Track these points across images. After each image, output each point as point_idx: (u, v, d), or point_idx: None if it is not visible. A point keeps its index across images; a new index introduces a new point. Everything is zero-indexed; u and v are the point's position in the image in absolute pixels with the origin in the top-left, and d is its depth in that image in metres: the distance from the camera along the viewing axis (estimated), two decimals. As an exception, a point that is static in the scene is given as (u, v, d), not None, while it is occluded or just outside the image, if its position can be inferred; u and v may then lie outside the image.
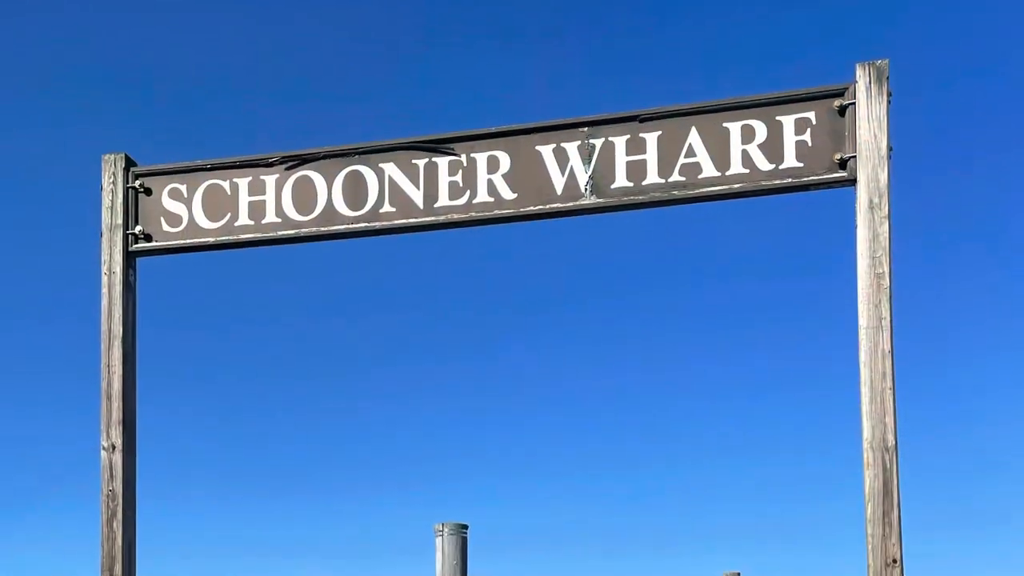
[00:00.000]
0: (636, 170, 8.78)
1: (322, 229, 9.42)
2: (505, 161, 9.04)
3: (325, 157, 9.46)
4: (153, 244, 9.83)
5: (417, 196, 9.21)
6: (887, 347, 8.04)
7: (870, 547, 7.99)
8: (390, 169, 9.26)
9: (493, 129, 9.19)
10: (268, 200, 9.51)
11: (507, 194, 9.03)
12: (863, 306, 8.17)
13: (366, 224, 9.32)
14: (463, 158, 9.14)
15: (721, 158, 8.58)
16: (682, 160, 8.66)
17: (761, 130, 8.53)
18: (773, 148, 8.47)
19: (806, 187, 8.49)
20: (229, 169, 9.67)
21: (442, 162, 9.19)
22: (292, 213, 9.44)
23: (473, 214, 9.14)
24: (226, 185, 9.63)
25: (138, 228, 9.78)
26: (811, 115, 8.45)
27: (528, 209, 9.01)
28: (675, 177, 8.67)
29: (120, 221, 9.80)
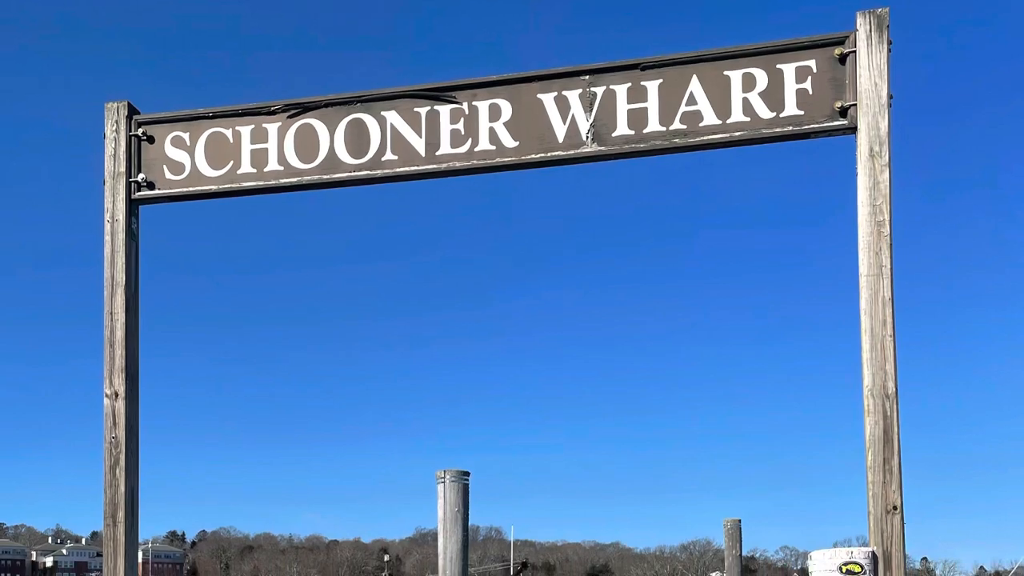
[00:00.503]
0: (637, 118, 8.81)
1: (324, 177, 9.47)
2: (507, 109, 9.07)
3: (327, 105, 9.48)
4: (156, 192, 9.87)
5: (419, 144, 9.25)
6: (887, 295, 8.10)
7: (870, 494, 8.07)
8: (392, 117, 9.29)
9: (495, 77, 9.22)
10: (270, 148, 9.54)
11: (508, 142, 9.07)
12: (863, 254, 8.22)
13: (368, 172, 9.36)
14: (465, 106, 9.18)
15: (722, 106, 8.62)
16: (683, 108, 8.69)
17: (762, 78, 8.57)
18: (774, 96, 8.51)
19: (807, 135, 8.53)
20: (231, 117, 9.69)
21: (444, 110, 9.22)
22: (294, 161, 9.48)
23: (475, 162, 9.19)
24: (228, 133, 9.66)
25: (141, 176, 9.82)
26: (812, 63, 8.49)
27: (529, 157, 9.05)
28: (676, 125, 8.71)
29: (123, 169, 9.84)
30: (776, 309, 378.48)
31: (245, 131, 9.61)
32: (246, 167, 9.59)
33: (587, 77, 8.99)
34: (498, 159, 9.11)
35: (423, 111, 9.23)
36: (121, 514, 9.79)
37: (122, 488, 9.81)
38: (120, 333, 9.89)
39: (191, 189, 9.83)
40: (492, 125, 9.07)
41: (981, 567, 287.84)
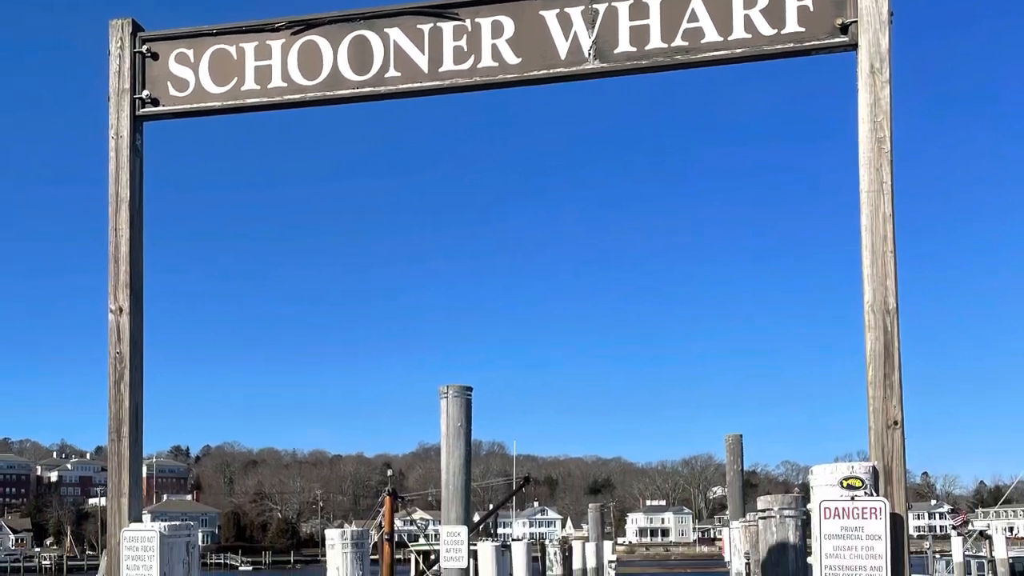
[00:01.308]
0: (639, 35, 8.81)
1: (327, 94, 9.49)
2: (509, 26, 9.06)
3: (331, 22, 9.48)
4: (160, 109, 9.89)
5: (422, 61, 9.26)
6: (888, 211, 8.14)
7: (871, 409, 8.15)
8: (395, 34, 9.29)
9: (498, -6, 9.21)
10: (274, 65, 9.55)
11: (511, 59, 9.08)
12: (864, 170, 8.25)
13: (371, 89, 9.38)
14: (467, 23, 9.17)
15: (723, 23, 8.62)
16: (685, 25, 8.69)
17: (763, -5, 8.58)
18: (775, 13, 8.51)
19: (807, 52, 8.54)
20: (235, 34, 9.69)
21: (447, 27, 9.21)
22: (298, 78, 9.49)
23: (477, 79, 9.21)
24: (232, 50, 9.67)
25: (145, 93, 9.84)
26: (813, -21, 8.49)
27: (532, 74, 9.07)
28: (678, 42, 8.72)
29: (127, 86, 9.85)
30: (776, 226, 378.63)
31: (249, 48, 9.61)
32: (250, 84, 9.60)
33: (590, -6, 8.99)
34: (500, 76, 9.13)
35: (426, 28, 9.23)
36: (126, 429, 9.89)
37: (126, 403, 9.90)
38: (124, 249, 9.94)
39: (195, 106, 9.85)
40: (495, 42, 9.08)
41: (981, 481, 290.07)
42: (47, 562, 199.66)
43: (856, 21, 8.26)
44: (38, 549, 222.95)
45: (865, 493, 7.67)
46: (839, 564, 7.62)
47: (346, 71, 9.37)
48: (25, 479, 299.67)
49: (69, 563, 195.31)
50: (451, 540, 18.05)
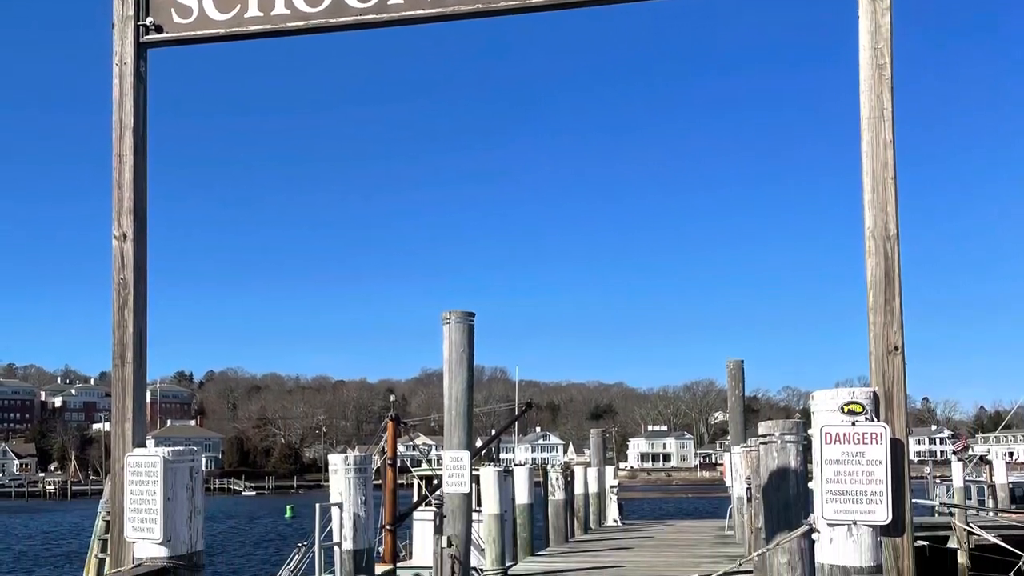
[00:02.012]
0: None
1: (331, 20, 9.45)
2: (514, -48, 9.03)
3: (334, -52, 9.44)
4: (163, 35, 9.87)
5: (424, -12, 9.23)
6: (888, 137, 8.15)
7: (872, 335, 8.20)
8: (398, -39, 9.25)
9: (500, -81, 9.16)
10: (277, -9, 9.52)
11: (513, -14, 9.06)
12: (865, 97, 8.25)
13: (374, 16, 9.34)
14: (470, -51, 9.13)
15: (728, -52, 8.57)
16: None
17: (767, -79, 8.53)
18: (779, -61, 8.46)
19: (811, -22, 8.50)
20: (239, -40, 9.66)
21: (449, -46, 9.18)
22: (301, 5, 9.45)
23: (479, 6, 9.17)
24: (235, -24, 9.64)
25: (149, 19, 9.81)
26: (817, -95, 8.44)
27: (533, 0, 9.03)
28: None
29: (131, 13, 9.82)
30: (777, 152, 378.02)
31: (252, -26, 9.58)
32: (253, 11, 9.57)
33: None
34: (502, 3, 9.09)
35: (429, -46, 9.19)
36: (129, 355, 9.95)
37: (130, 329, 9.96)
38: (128, 176, 9.96)
39: (199, 33, 9.83)
40: (498, -31, 9.05)
41: (981, 407, 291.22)
42: (51, 487, 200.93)
43: (858, -54, 8.24)
44: (42, 474, 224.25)
45: (866, 418, 7.73)
46: (840, 489, 7.69)
47: (349, -2, 9.35)
48: (29, 404, 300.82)
49: (73, 488, 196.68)
50: (453, 465, 18.16)
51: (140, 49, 9.91)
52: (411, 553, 34.96)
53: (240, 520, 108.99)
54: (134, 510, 8.85)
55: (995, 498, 46.87)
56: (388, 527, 32.96)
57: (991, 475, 49.32)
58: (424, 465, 43.25)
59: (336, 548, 13.97)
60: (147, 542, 8.79)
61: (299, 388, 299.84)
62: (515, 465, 35.79)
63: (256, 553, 65.07)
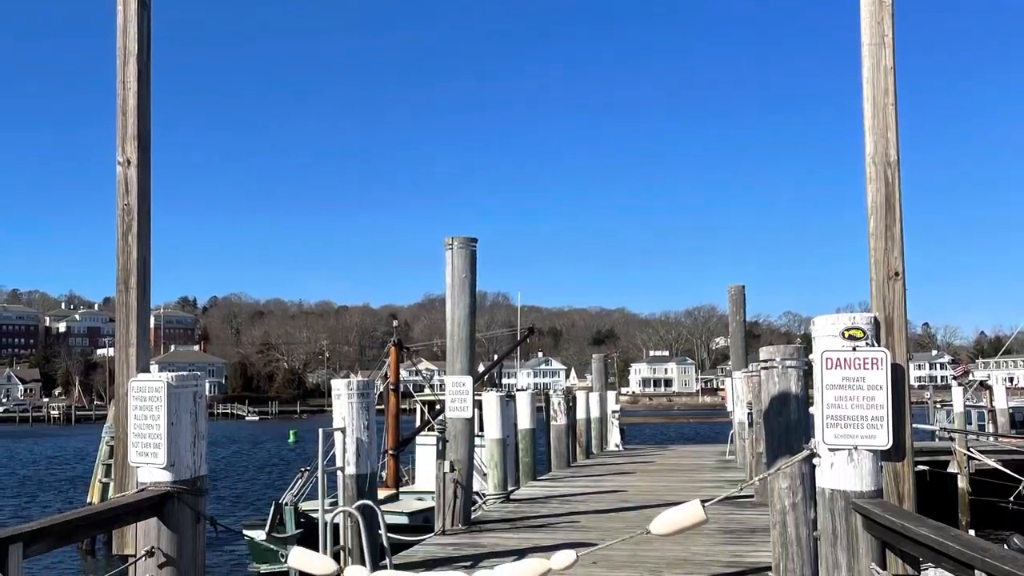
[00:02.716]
0: None
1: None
2: None
3: None
4: (165, -40, 9.82)
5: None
6: (889, 63, 8.12)
7: (872, 260, 8.20)
8: None
9: None
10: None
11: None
12: (866, 23, 8.21)
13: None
14: None
15: None
16: None
17: None
18: None
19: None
20: None
21: None
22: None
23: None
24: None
25: (150, -56, 9.76)
26: None
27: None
28: None
29: (133, -62, 9.77)
30: (779, 79, 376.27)
31: None
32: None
33: None
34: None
35: None
36: (133, 280, 9.97)
37: (134, 255, 9.97)
38: (132, 102, 9.94)
39: (198, -44, 9.78)
40: None
41: (981, 332, 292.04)
42: (55, 412, 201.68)
43: None
44: (47, 399, 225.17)
45: (867, 343, 7.75)
46: (841, 414, 7.73)
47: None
48: (34, 330, 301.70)
49: (77, 413, 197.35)
50: (456, 390, 18.23)
51: (143, -26, 9.87)
52: (414, 478, 35.19)
53: (243, 445, 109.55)
54: (138, 435, 8.90)
55: (995, 423, 47.04)
56: (391, 452, 33.18)
57: (991, 400, 49.46)
58: (427, 390, 43.41)
59: (339, 473, 14.03)
60: (151, 467, 8.84)
61: (302, 313, 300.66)
62: (517, 390, 35.89)
63: (259, 478, 65.44)
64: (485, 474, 24.23)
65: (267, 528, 22.20)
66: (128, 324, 9.94)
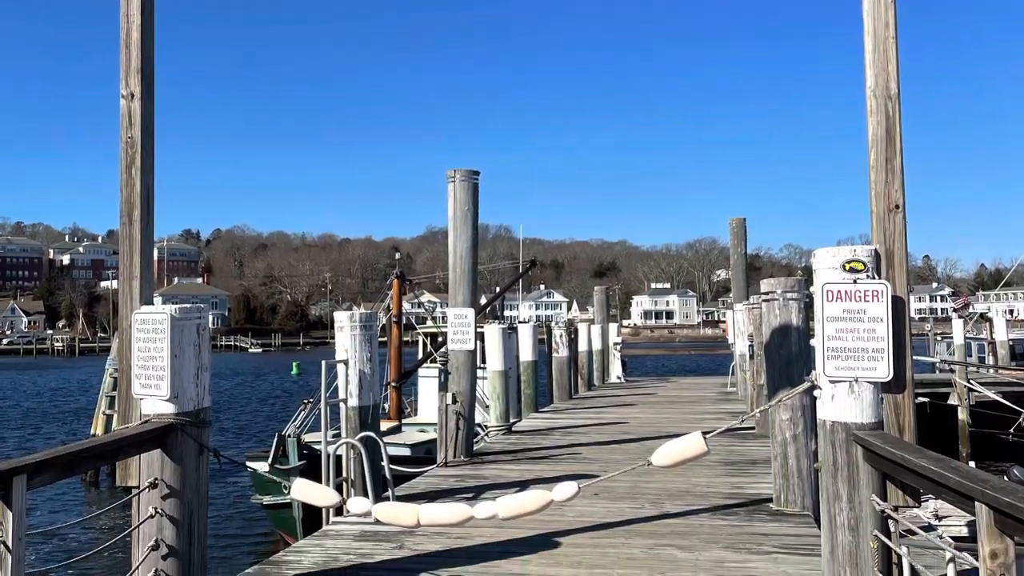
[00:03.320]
0: None
1: None
2: None
3: None
4: None
5: None
6: (891, -4, 8.08)
7: (873, 193, 8.20)
8: None
9: None
10: None
11: None
12: (868, -44, 8.16)
13: None
14: None
15: None
16: None
17: None
18: None
19: None
20: None
21: None
22: None
23: None
24: None
25: None
26: None
27: None
28: None
29: None
30: (780, 10, 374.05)
31: None
32: None
33: None
34: None
35: None
36: (137, 213, 9.97)
37: (138, 187, 9.96)
38: (135, 35, 9.90)
39: None
40: None
41: (982, 264, 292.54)
42: (59, 344, 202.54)
43: None
44: (50, 332, 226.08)
45: (867, 276, 7.76)
46: (841, 346, 7.75)
47: None
48: (37, 262, 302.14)
49: (81, 345, 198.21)
50: (458, 322, 18.28)
51: (143, -96, 9.79)
52: (416, 410, 35.32)
53: (247, 377, 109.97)
54: (141, 367, 8.93)
55: (995, 355, 47.15)
56: (393, 384, 33.27)
57: (991, 332, 49.54)
58: (429, 322, 43.48)
59: (342, 405, 14.09)
60: (154, 399, 8.88)
61: (305, 246, 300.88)
62: (519, 322, 35.99)
63: (262, 410, 65.71)
64: (487, 406, 24.34)
65: (270, 460, 22.27)
66: (131, 256, 9.95)
